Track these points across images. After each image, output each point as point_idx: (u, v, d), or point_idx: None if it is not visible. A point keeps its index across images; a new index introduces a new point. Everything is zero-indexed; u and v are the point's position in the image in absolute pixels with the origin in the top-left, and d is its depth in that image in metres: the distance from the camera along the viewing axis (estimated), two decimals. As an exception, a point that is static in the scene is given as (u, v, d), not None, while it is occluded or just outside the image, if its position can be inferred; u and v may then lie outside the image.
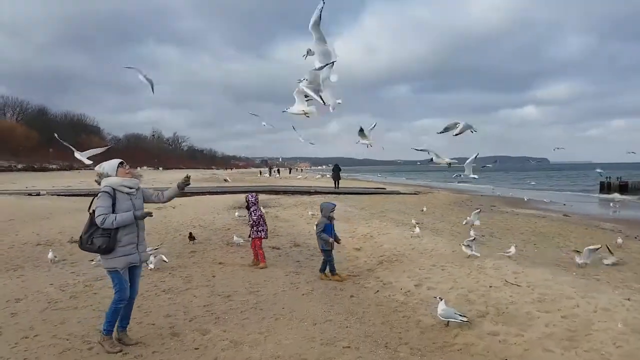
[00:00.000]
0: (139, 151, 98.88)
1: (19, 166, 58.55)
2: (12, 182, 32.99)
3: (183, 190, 4.82)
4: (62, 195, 22.52)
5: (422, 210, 16.79)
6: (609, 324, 4.53)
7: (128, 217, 4.33)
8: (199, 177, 51.32)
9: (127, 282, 4.44)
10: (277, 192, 25.19)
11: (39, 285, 6.77)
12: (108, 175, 4.47)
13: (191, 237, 10.19)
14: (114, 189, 4.38)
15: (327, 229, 7.23)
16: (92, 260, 7.92)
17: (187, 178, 4.84)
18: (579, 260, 7.77)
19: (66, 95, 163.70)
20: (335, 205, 7.46)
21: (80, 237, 4.38)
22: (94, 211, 4.37)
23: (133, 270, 4.57)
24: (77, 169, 65.40)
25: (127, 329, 4.68)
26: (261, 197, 22.30)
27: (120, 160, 4.57)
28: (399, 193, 27.09)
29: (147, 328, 5.04)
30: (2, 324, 5.16)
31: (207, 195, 23.26)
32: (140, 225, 4.53)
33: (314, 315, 5.43)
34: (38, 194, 22.48)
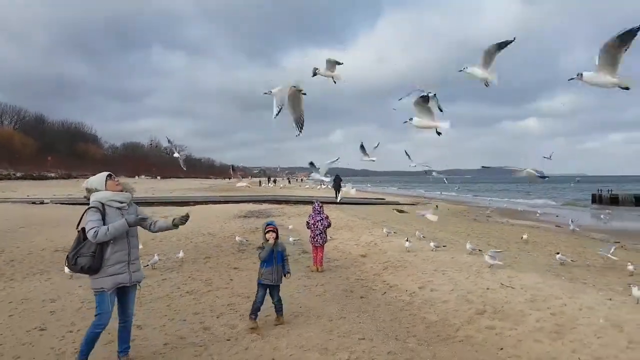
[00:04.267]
0: (137, 160, 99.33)
1: (18, 174, 58.83)
2: (13, 191, 33.33)
3: (177, 227, 4.46)
4: (65, 203, 22.96)
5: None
6: (592, 320, 5.14)
7: (121, 226, 4.08)
8: (198, 187, 51.87)
9: (111, 305, 4.13)
10: (279, 202, 25.75)
11: (68, 288, 7.32)
12: (97, 190, 4.23)
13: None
14: (103, 204, 4.14)
15: (270, 258, 5.58)
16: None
17: (186, 217, 4.45)
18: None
19: (65, 103, 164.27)
20: (268, 224, 5.76)
21: (67, 256, 4.14)
22: (82, 228, 4.14)
23: (125, 292, 4.28)
24: (75, 178, 65.80)
25: (129, 354, 4.43)
26: (264, 206, 23.05)
27: (108, 173, 4.33)
28: (398, 203, 27.71)
29: (180, 324, 5.62)
30: (45, 321, 5.71)
31: (210, 205, 23.80)
32: (132, 242, 4.25)
33: (329, 313, 6.03)
34: (42, 202, 22.92)
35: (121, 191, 4.33)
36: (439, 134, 5.04)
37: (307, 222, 9.23)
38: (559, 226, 19.79)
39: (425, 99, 4.85)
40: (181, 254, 9.28)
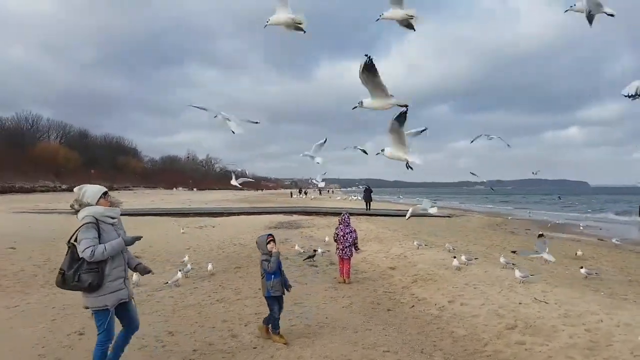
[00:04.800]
0: (174, 173, 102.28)
1: (63, 187, 61.31)
2: (58, 202, 34.81)
3: (139, 273, 4.57)
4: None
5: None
6: (629, 337, 4.93)
7: (118, 245, 3.95)
8: (232, 198, 52.75)
9: (113, 321, 4.07)
10: (309, 213, 25.88)
11: (106, 294, 7.60)
12: (88, 204, 4.01)
13: None
14: (97, 219, 3.95)
15: (278, 268, 5.53)
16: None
17: (147, 271, 4.55)
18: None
19: (106, 118, 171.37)
20: (268, 235, 5.67)
21: (63, 273, 3.89)
22: (73, 244, 3.93)
23: (125, 306, 4.18)
24: (116, 190, 68.25)
25: None
26: (294, 217, 23.24)
27: (104, 190, 4.16)
28: (431, 215, 27.25)
29: (209, 331, 5.77)
30: (86, 326, 5.95)
31: (242, 216, 24.19)
32: (125, 258, 4.19)
33: (355, 325, 6.03)
34: (85, 213, 23.79)
35: (111, 206, 4.16)
36: (410, 168, 4.85)
37: (335, 234, 9.18)
38: (602, 240, 19.00)
39: (402, 120, 4.57)
40: (210, 267, 9.39)
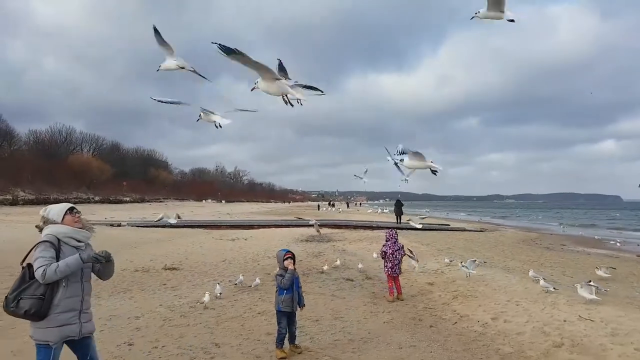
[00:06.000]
0: (203, 185, 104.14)
1: (96, 198, 63.25)
2: (92, 214, 35.83)
3: (102, 262, 3.63)
4: (140, 226, 24.48)
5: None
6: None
7: (74, 262, 3.38)
8: (259, 210, 53.33)
9: None
10: (339, 226, 25.93)
11: (150, 306, 7.85)
12: (53, 222, 3.57)
13: None
14: (58, 240, 3.48)
15: (291, 285, 5.61)
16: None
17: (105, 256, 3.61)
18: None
19: (138, 130, 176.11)
20: (287, 251, 5.86)
21: (6, 296, 3.40)
22: (28, 265, 3.46)
23: (82, 343, 3.57)
24: (148, 202, 69.94)
25: None
26: (325, 230, 23.32)
27: (70, 206, 3.67)
28: (464, 230, 26.90)
29: (254, 343, 5.91)
30: (132, 336, 6.19)
31: (273, 228, 24.45)
32: (86, 288, 3.57)
33: (399, 341, 6.06)
34: (119, 225, 24.53)
35: (81, 228, 3.66)
36: (434, 173, 5.53)
37: (383, 251, 8.94)
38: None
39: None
40: (257, 281, 9.54)
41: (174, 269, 11.52)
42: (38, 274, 3.30)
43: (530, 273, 9.52)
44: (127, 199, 69.17)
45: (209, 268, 11.66)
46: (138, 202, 68.41)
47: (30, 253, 3.49)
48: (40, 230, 3.58)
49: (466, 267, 9.81)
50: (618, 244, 22.81)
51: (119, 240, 17.70)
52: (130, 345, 5.84)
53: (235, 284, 9.40)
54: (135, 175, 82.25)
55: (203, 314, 7.34)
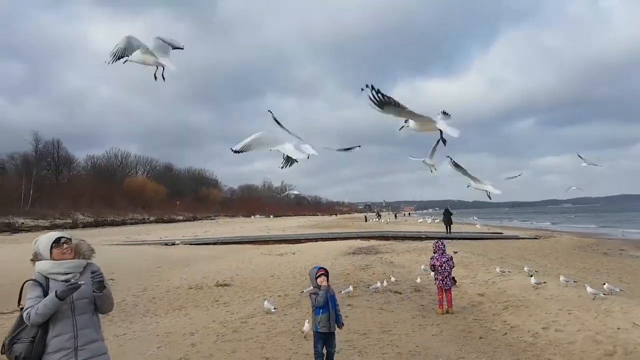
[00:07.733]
0: (252, 201, 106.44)
1: (151, 218, 65.98)
2: (147, 234, 37.42)
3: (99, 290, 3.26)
4: (193, 244, 25.27)
5: None
6: None
7: (50, 301, 3.07)
8: (306, 224, 53.78)
9: None
10: (387, 238, 25.70)
11: (204, 322, 8.13)
12: (42, 257, 3.30)
13: None
14: (45, 277, 3.23)
15: (326, 303, 5.27)
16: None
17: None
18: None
19: (189, 150, 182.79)
20: (319, 268, 5.55)
21: (3, 341, 3.21)
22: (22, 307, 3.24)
23: None
24: (199, 220, 72.21)
25: None
26: (372, 242, 23.22)
27: (56, 237, 3.33)
28: (517, 238, 25.90)
29: (303, 357, 6.01)
30: (187, 352, 6.46)
31: (320, 242, 24.60)
32: (80, 322, 3.20)
33: (448, 354, 5.98)
34: (173, 244, 25.39)
35: (72, 258, 3.32)
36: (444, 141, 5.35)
37: (432, 264, 8.79)
38: None
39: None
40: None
41: (226, 285, 11.86)
42: (24, 317, 3.11)
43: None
44: (180, 217, 71.66)
45: (259, 283, 11.92)
46: (190, 220, 70.71)
47: (22, 293, 3.29)
48: (34, 262, 3.33)
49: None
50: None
51: (172, 259, 18.45)
52: (187, 360, 6.10)
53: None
54: (187, 194, 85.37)
55: (254, 328, 7.53)
